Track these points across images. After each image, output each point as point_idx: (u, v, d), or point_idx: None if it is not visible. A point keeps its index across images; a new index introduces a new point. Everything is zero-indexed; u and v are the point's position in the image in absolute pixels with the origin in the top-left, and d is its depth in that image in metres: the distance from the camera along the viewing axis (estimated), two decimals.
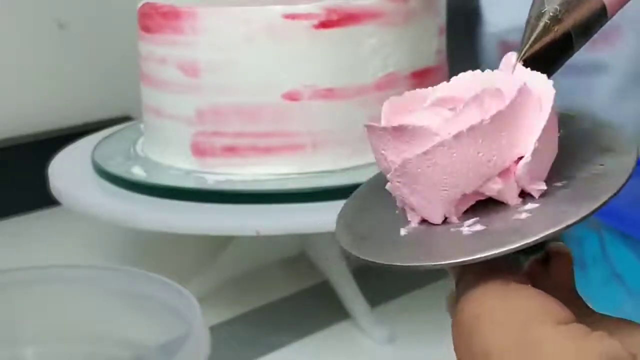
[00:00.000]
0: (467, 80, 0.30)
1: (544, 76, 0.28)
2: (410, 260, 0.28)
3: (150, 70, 0.63)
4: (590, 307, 0.29)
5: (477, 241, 0.27)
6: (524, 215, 0.27)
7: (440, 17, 0.65)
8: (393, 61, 0.60)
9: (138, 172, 0.61)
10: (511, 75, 0.29)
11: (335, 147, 0.59)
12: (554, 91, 0.28)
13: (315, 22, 0.57)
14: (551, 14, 0.29)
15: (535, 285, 0.27)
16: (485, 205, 0.28)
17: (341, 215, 0.32)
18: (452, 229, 0.28)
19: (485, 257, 0.26)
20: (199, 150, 0.60)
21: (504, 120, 0.27)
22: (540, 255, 0.31)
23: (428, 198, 0.28)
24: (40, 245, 0.78)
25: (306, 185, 0.57)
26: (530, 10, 0.30)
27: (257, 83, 0.58)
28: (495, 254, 0.26)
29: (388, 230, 0.30)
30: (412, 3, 0.61)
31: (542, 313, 0.25)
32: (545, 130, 0.27)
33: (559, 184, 0.28)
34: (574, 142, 0.30)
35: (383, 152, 0.29)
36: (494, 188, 0.28)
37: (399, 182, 0.28)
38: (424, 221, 0.29)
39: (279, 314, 0.65)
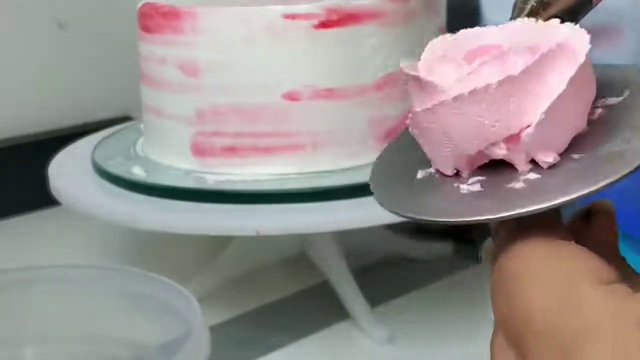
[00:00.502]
0: (518, 30, 0.29)
1: (585, 34, 0.27)
2: (410, 212, 0.28)
3: (150, 70, 0.63)
4: (633, 267, 0.28)
5: (460, 203, 0.27)
6: (518, 185, 0.27)
7: (440, 17, 0.65)
8: (393, 61, 0.60)
9: (138, 172, 0.62)
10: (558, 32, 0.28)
11: (335, 147, 0.59)
12: (586, 49, 0.27)
13: (315, 22, 0.57)
14: None
15: (577, 241, 0.26)
16: (498, 165, 0.28)
17: (384, 150, 0.32)
18: (455, 184, 0.28)
19: (452, 221, 0.27)
20: (199, 150, 0.60)
21: (514, 85, 0.26)
22: (583, 211, 0.30)
23: (435, 152, 0.28)
24: (40, 245, 0.77)
25: (306, 185, 0.57)
26: None
27: (257, 83, 0.58)
28: (454, 221, 0.27)
29: (408, 172, 0.30)
30: (412, 3, 0.61)
31: (585, 271, 0.24)
32: (561, 98, 0.26)
33: (576, 156, 0.27)
34: (626, 108, 0.29)
35: (412, 95, 0.29)
36: (498, 153, 0.27)
37: (414, 131, 0.29)
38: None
39: (279, 314, 0.65)
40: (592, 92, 0.28)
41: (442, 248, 0.71)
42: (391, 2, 0.59)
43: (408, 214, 0.28)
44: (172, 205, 0.57)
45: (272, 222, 0.54)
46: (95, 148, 0.68)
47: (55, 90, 0.91)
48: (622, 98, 0.29)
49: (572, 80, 0.26)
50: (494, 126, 0.27)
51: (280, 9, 0.57)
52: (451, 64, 0.28)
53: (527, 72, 0.26)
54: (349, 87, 0.58)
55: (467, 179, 0.28)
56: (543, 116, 0.26)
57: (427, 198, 0.29)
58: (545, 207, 0.25)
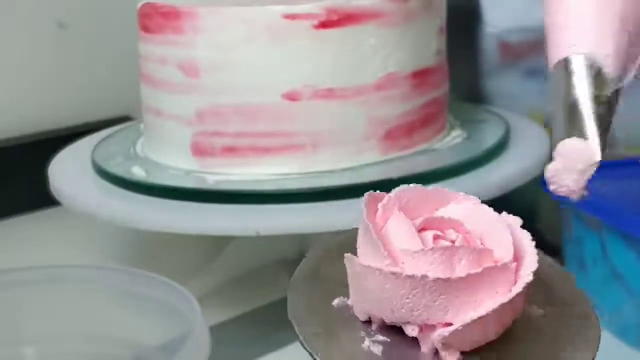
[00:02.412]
0: (480, 215, 0.29)
1: (534, 265, 0.27)
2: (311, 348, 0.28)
3: (150, 70, 0.63)
4: None
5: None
6: None
7: (440, 17, 0.65)
8: (393, 61, 0.60)
9: (138, 172, 0.62)
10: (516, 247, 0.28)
11: (335, 147, 0.59)
12: (527, 280, 0.27)
13: (315, 22, 0.57)
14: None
15: None
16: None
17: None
18: (362, 332, 0.29)
19: None
20: (199, 150, 0.60)
21: (448, 286, 0.27)
22: None
23: (358, 296, 0.29)
24: (40, 245, 0.77)
25: (306, 185, 0.57)
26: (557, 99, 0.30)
27: (257, 83, 0.58)
28: None
29: (326, 295, 0.31)
30: (412, 3, 0.61)
31: None
32: (484, 317, 0.27)
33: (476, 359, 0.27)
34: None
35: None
36: (410, 332, 0.28)
37: (350, 269, 0.29)
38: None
39: (279, 314, 0.64)
40: (516, 312, 0.28)
41: None
42: (391, 2, 0.59)
43: (313, 354, 0.28)
44: (172, 205, 0.57)
45: (272, 222, 0.54)
46: (95, 148, 0.68)
47: (55, 90, 0.90)
48: (542, 313, 0.30)
49: (502, 305, 0.27)
50: (415, 311, 0.27)
51: (280, 9, 0.57)
52: (406, 225, 0.29)
53: (465, 280, 0.27)
54: (349, 87, 0.58)
55: (375, 333, 0.28)
56: (460, 327, 0.27)
57: (331, 338, 0.29)
58: None
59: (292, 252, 0.68)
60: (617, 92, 0.30)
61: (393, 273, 0.27)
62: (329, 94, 0.58)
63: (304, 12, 0.57)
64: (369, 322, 0.29)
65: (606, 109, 0.29)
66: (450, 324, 0.27)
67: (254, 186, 0.57)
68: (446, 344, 0.27)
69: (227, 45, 0.58)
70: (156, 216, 0.56)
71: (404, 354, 0.28)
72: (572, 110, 0.29)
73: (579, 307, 0.30)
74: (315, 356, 0.28)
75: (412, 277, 0.27)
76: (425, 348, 0.28)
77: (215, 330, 0.50)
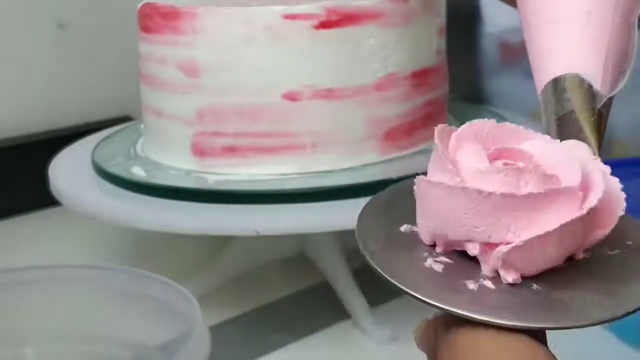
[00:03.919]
0: (551, 148, 0.30)
1: (600, 192, 0.28)
2: (377, 265, 0.30)
3: (150, 71, 0.63)
4: None
5: (418, 275, 0.29)
6: (471, 286, 0.28)
7: (440, 17, 0.65)
8: (393, 61, 0.60)
9: (138, 172, 0.62)
10: (596, 170, 0.29)
11: (335, 147, 0.59)
12: (592, 204, 0.27)
13: (315, 22, 0.57)
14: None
15: None
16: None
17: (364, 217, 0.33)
18: (425, 253, 0.29)
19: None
20: (199, 150, 0.60)
21: (512, 204, 0.27)
22: None
23: (423, 218, 0.29)
24: (40, 245, 0.78)
25: (306, 185, 0.57)
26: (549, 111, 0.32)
27: (257, 83, 0.58)
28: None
29: (394, 220, 0.31)
30: (412, 3, 0.61)
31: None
32: (546, 236, 0.27)
33: (535, 287, 0.28)
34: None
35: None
36: (471, 250, 0.28)
37: (417, 192, 0.29)
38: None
39: (279, 314, 0.65)
40: (582, 240, 0.29)
41: None
42: (391, 3, 0.59)
43: (375, 266, 0.30)
44: (172, 205, 0.57)
45: (272, 222, 0.54)
46: (95, 148, 0.68)
47: (56, 90, 0.91)
48: (617, 251, 0.30)
49: (563, 226, 0.27)
50: (477, 228, 0.28)
51: (280, 9, 0.57)
52: (477, 152, 0.29)
53: (529, 198, 0.27)
54: (349, 87, 0.58)
55: (438, 254, 0.29)
56: (521, 243, 0.27)
57: (395, 255, 0.30)
58: (474, 318, 0.26)
59: (292, 252, 0.68)
60: (607, 105, 0.32)
61: (460, 188, 0.27)
62: (329, 94, 0.58)
63: (303, 12, 0.57)
64: (433, 246, 0.30)
65: (599, 119, 0.31)
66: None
67: (254, 186, 0.57)
68: (506, 261, 0.27)
69: (227, 45, 0.58)
70: (156, 216, 0.56)
71: (464, 273, 0.28)
72: (567, 121, 0.31)
73: None
74: (379, 270, 0.29)
75: (477, 191, 0.27)
76: (485, 269, 0.28)
77: (215, 330, 0.50)
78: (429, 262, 0.29)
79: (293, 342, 0.60)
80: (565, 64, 0.32)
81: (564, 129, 0.31)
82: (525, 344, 0.26)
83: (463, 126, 0.30)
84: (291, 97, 0.58)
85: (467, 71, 0.80)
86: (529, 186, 0.28)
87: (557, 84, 0.32)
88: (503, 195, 0.27)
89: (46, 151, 0.70)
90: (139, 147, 0.67)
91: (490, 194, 0.27)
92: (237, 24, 0.58)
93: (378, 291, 0.64)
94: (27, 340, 0.53)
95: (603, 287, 0.28)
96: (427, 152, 0.62)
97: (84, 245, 0.77)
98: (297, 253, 0.68)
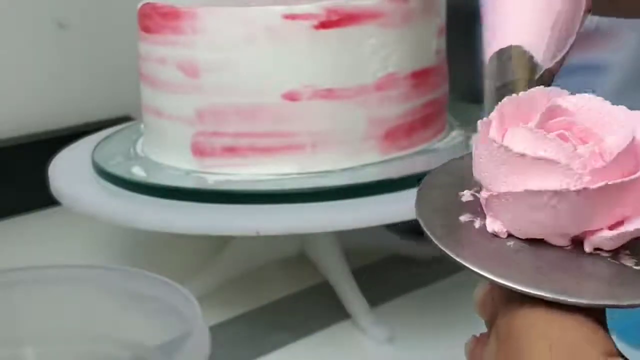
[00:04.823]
0: (592, 108, 0.29)
1: None
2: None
3: (150, 70, 0.63)
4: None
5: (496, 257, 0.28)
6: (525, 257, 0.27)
7: (440, 18, 0.65)
8: (393, 61, 0.60)
9: (138, 172, 0.62)
10: None
11: (335, 147, 0.59)
12: None
13: (315, 22, 0.57)
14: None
15: None
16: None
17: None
18: (507, 243, 0.29)
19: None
20: (199, 150, 0.60)
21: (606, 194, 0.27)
22: None
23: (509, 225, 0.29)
24: (40, 245, 0.78)
25: (306, 185, 0.57)
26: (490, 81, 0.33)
27: (257, 83, 0.58)
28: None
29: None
30: (412, 3, 0.61)
31: (592, 340, 0.25)
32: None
33: (627, 256, 0.27)
34: None
35: (481, 159, 0.29)
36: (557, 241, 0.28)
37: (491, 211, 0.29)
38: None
39: (279, 314, 0.65)
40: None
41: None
42: (391, 3, 0.59)
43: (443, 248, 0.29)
44: (172, 205, 0.57)
45: (272, 222, 0.54)
46: (95, 148, 0.68)
47: (56, 90, 0.91)
48: None
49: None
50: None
51: (280, 9, 0.57)
52: (545, 137, 0.28)
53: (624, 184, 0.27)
54: (349, 87, 0.58)
55: (513, 238, 0.29)
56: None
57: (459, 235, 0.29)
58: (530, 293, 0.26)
59: (292, 252, 0.68)
60: (547, 77, 0.33)
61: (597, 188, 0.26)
62: (329, 94, 0.58)
63: (304, 12, 0.57)
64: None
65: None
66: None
67: (254, 186, 0.57)
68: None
69: (227, 45, 0.58)
70: (156, 216, 0.56)
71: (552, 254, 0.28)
72: (506, 92, 0.31)
73: None
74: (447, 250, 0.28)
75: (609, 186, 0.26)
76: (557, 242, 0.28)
77: (215, 330, 0.50)
78: (508, 243, 0.28)
79: (293, 342, 0.60)
80: (511, 35, 0.33)
81: (501, 98, 0.31)
82: (587, 327, 0.25)
83: (493, 115, 0.29)
84: (291, 97, 0.58)
85: (467, 71, 0.80)
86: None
87: (501, 54, 0.33)
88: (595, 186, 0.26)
89: (46, 151, 0.70)
90: (139, 147, 0.67)
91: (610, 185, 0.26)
92: (237, 24, 0.58)
93: (378, 291, 0.64)
94: (27, 340, 0.53)
95: None
96: (427, 152, 0.62)
97: (84, 245, 0.77)
98: (297, 253, 0.68)
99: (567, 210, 0.27)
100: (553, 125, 0.29)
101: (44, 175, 0.65)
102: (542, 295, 0.26)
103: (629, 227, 0.27)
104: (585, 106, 0.29)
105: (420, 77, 0.62)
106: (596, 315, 0.26)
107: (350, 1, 0.58)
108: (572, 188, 0.26)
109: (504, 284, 0.27)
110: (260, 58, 0.58)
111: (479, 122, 0.29)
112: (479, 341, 0.30)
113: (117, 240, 0.77)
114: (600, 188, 0.26)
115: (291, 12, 0.57)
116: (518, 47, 0.33)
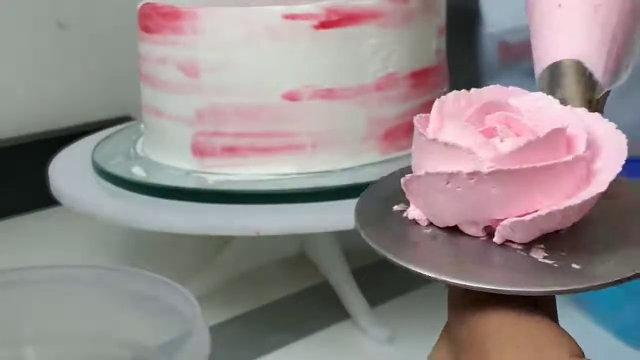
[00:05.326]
0: (541, 108, 0.29)
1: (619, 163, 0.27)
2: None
3: (150, 70, 0.63)
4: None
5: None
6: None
7: (440, 18, 0.65)
8: (393, 62, 0.60)
9: (138, 172, 0.62)
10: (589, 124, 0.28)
11: (335, 147, 0.59)
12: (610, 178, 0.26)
13: (315, 22, 0.57)
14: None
15: None
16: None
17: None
18: (424, 230, 0.29)
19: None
20: (199, 150, 0.60)
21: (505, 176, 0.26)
22: None
23: (430, 205, 0.29)
24: (40, 245, 0.78)
25: (306, 185, 0.57)
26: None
27: (257, 83, 0.58)
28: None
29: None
30: (411, 3, 0.61)
31: (558, 343, 0.25)
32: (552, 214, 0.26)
33: (539, 249, 0.27)
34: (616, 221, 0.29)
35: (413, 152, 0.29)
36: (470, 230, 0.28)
37: (412, 192, 0.29)
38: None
39: (279, 314, 0.65)
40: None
41: None
42: (391, 3, 0.59)
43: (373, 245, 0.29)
44: (172, 205, 0.57)
45: (272, 222, 0.54)
46: (95, 148, 0.68)
47: (56, 90, 0.91)
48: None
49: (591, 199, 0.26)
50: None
51: (280, 9, 0.57)
52: (464, 128, 0.28)
53: (524, 171, 0.26)
54: (349, 87, 0.58)
55: (428, 227, 0.29)
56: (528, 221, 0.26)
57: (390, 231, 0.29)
58: (480, 288, 0.26)
59: (292, 252, 0.68)
60: (604, 97, 0.31)
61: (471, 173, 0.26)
62: (329, 94, 0.58)
63: (304, 12, 0.57)
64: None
65: (592, 111, 0.30)
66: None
67: (254, 186, 0.57)
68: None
69: (227, 45, 0.58)
70: (156, 216, 0.56)
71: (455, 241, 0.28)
72: None
73: None
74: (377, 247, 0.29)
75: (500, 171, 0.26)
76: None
77: (215, 330, 0.50)
78: (424, 230, 0.28)
79: (293, 342, 0.60)
80: (567, 49, 0.31)
81: None
82: (553, 329, 0.25)
83: (434, 108, 0.30)
84: (291, 97, 0.58)
85: (467, 71, 0.80)
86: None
87: (555, 69, 0.31)
88: (491, 171, 0.26)
89: (46, 151, 0.70)
90: (139, 147, 0.67)
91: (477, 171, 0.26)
92: (237, 24, 0.58)
93: (377, 291, 0.64)
94: (27, 340, 0.53)
95: (608, 247, 0.27)
96: None
97: (84, 245, 0.77)
98: (297, 253, 0.68)
99: (466, 195, 0.27)
100: (489, 119, 0.29)
101: (44, 175, 0.65)
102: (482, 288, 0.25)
103: (527, 217, 0.26)
104: (535, 105, 0.29)
105: (420, 77, 0.62)
106: (551, 314, 0.26)
107: (350, 1, 0.58)
108: (465, 171, 0.26)
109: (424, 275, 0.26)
110: (260, 58, 0.58)
111: (414, 117, 0.30)
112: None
113: (117, 240, 0.77)
114: (493, 173, 0.26)
115: (291, 12, 0.57)
116: (576, 62, 0.31)
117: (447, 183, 0.27)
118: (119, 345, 0.52)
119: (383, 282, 0.67)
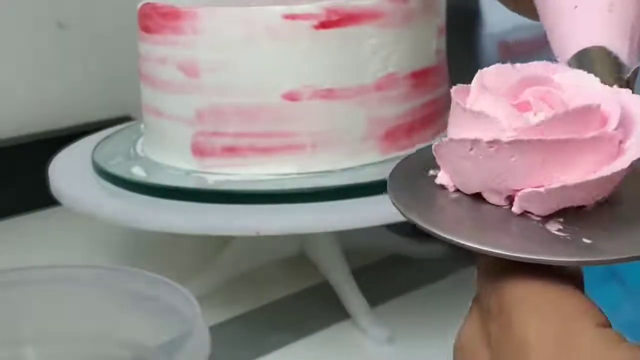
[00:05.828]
0: (580, 85, 0.29)
1: None
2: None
3: (150, 70, 0.63)
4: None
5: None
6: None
7: (440, 18, 0.65)
8: (393, 62, 0.60)
9: (138, 172, 0.62)
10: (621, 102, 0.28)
11: (335, 147, 0.59)
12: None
13: (315, 22, 0.57)
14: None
15: None
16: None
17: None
18: (450, 195, 0.29)
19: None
20: (199, 150, 0.60)
21: (523, 147, 0.26)
22: None
23: (458, 174, 0.29)
24: (40, 245, 0.78)
25: (306, 185, 0.57)
26: None
27: (257, 83, 0.58)
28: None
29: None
30: (411, 3, 0.61)
31: (583, 312, 0.25)
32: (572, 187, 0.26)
33: (556, 223, 0.27)
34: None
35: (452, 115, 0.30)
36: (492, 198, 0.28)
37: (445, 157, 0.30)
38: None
39: (279, 314, 0.65)
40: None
41: (442, 248, 0.71)
42: (391, 3, 0.59)
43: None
44: (172, 205, 0.57)
45: (272, 222, 0.54)
46: (95, 148, 0.68)
47: (56, 90, 0.91)
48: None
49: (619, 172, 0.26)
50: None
51: (281, 9, 0.57)
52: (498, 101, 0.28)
53: (552, 143, 0.26)
54: (349, 87, 0.58)
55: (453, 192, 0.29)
56: (543, 191, 0.27)
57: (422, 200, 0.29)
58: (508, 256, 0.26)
59: (292, 252, 0.68)
60: (633, 77, 0.31)
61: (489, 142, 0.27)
62: (329, 94, 0.58)
63: (304, 12, 0.57)
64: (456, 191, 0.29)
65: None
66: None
67: (254, 186, 0.57)
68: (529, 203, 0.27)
69: (227, 45, 0.58)
70: (156, 216, 0.56)
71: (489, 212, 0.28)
72: None
73: None
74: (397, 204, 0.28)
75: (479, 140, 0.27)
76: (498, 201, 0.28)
77: (215, 330, 0.50)
78: (451, 195, 0.29)
79: (293, 342, 0.60)
80: (588, 39, 0.31)
81: None
82: (578, 298, 0.25)
83: (475, 80, 0.29)
84: (291, 97, 0.58)
85: (467, 71, 0.80)
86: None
87: (581, 57, 0.31)
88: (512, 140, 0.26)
89: (46, 151, 0.70)
90: (139, 147, 0.67)
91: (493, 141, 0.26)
92: (237, 24, 0.58)
93: (377, 291, 0.64)
94: (27, 340, 0.53)
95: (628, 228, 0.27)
96: None
97: (84, 245, 0.77)
98: (297, 253, 0.68)
99: (487, 163, 0.27)
100: (527, 93, 0.29)
101: (44, 175, 0.65)
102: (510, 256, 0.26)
103: (542, 189, 0.27)
104: (576, 82, 0.29)
105: (420, 77, 0.62)
106: (577, 285, 0.26)
107: (350, 1, 0.58)
108: (485, 139, 0.27)
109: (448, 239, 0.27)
110: (260, 58, 0.58)
111: (452, 88, 0.30)
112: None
113: (117, 240, 0.77)
114: (512, 142, 0.26)
115: (291, 12, 0.57)
116: (601, 48, 0.31)
117: (470, 150, 0.27)
118: (119, 345, 0.52)
119: (383, 282, 0.67)
